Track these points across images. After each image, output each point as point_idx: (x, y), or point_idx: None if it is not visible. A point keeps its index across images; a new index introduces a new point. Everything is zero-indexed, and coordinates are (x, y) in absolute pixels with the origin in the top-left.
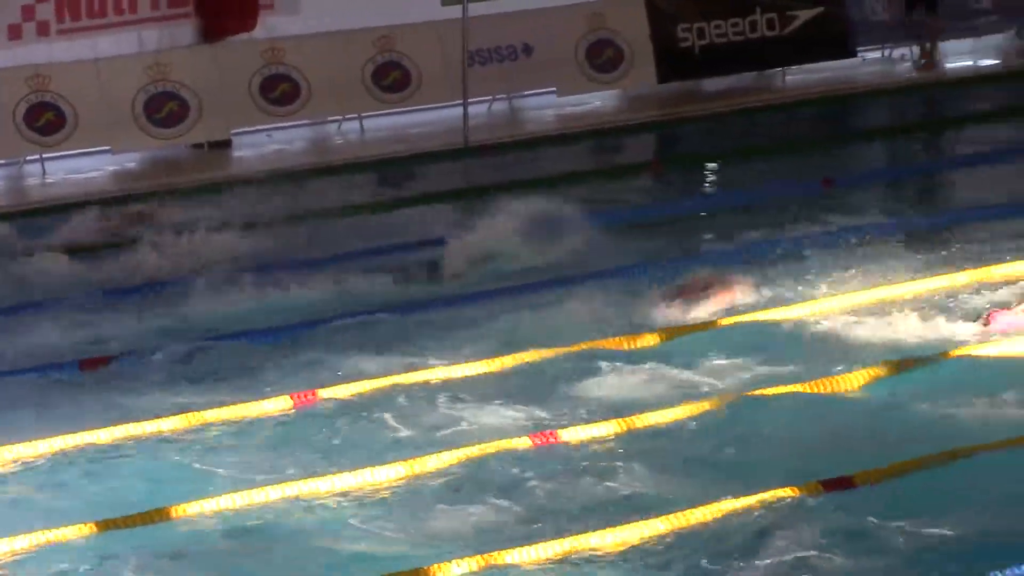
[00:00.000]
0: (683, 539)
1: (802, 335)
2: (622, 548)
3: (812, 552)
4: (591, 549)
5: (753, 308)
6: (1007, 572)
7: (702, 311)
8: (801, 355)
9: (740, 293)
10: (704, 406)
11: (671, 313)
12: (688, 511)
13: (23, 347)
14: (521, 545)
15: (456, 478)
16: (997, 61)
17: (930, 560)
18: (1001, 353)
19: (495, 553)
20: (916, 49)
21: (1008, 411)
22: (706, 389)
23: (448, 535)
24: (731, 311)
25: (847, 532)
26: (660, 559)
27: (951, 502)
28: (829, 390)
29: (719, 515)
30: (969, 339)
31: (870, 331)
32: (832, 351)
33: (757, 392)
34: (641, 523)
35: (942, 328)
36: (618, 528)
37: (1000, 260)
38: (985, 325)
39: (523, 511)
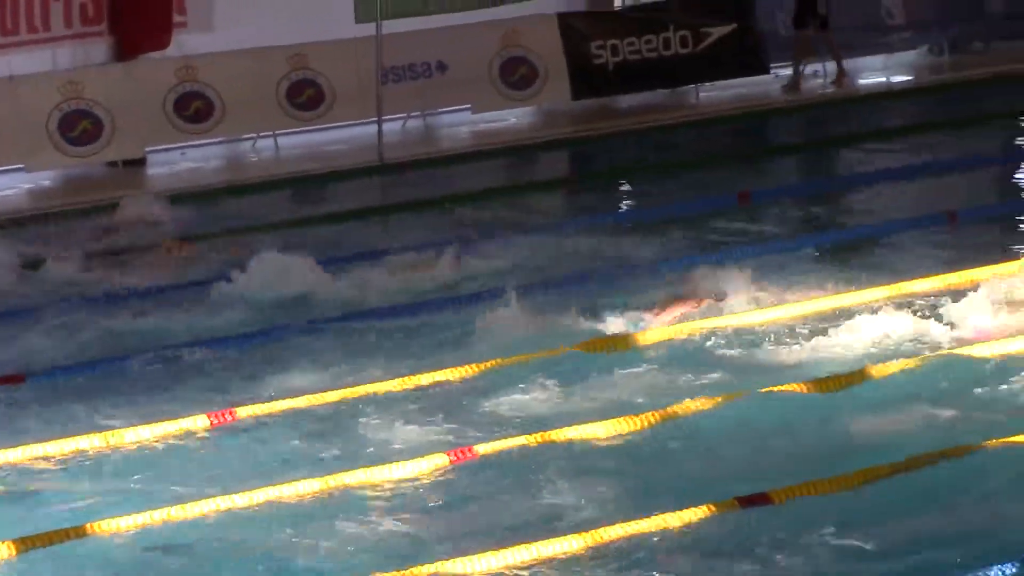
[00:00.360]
0: (601, 555)
1: (722, 350)
2: (540, 564)
3: (729, 569)
4: (509, 566)
5: (666, 323)
6: None
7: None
8: (721, 370)
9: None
10: (625, 421)
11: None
12: (606, 527)
13: None
14: (441, 560)
15: (374, 495)
16: (910, 77)
17: None
18: (919, 366)
19: (415, 568)
20: (829, 65)
21: (932, 425)
22: (626, 404)
23: (367, 551)
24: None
25: (764, 548)
26: None
27: (870, 519)
28: (748, 406)
29: (638, 532)
30: (892, 353)
31: (789, 345)
32: (751, 366)
33: (678, 407)
34: (559, 539)
35: (861, 342)
36: (536, 544)
37: (915, 274)
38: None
39: (442, 526)
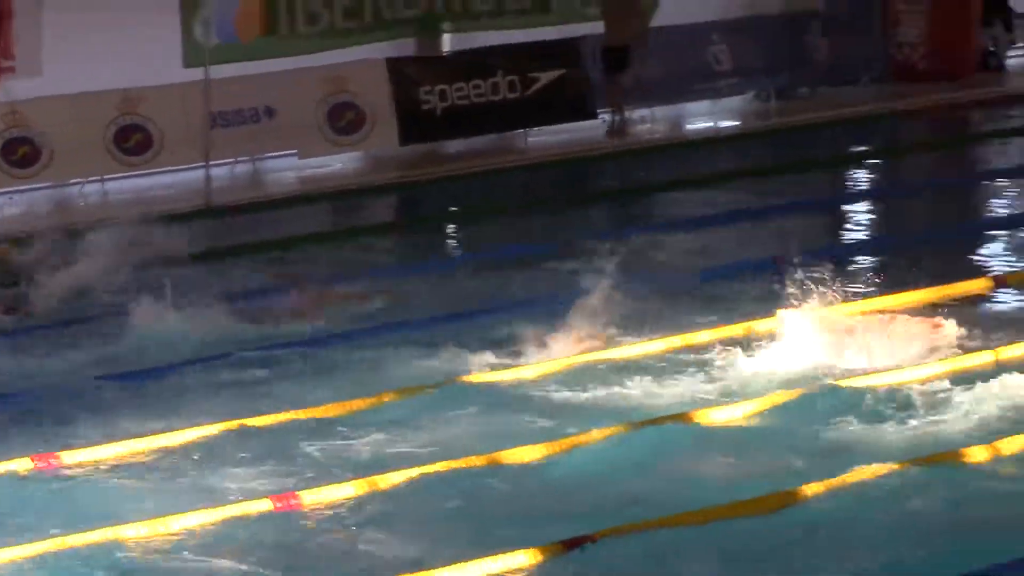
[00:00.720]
0: None
1: (540, 395)
2: None
3: None
4: None
5: (491, 368)
6: None
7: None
8: (538, 414)
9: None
10: (447, 465)
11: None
12: (428, 572)
13: None
14: None
15: (197, 540)
16: (737, 122)
17: None
18: (741, 415)
19: None
20: (659, 111)
21: (743, 471)
22: (447, 449)
23: None
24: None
25: None
26: None
27: (691, 560)
28: (566, 448)
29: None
30: (705, 399)
31: (605, 390)
32: (566, 410)
33: (497, 454)
34: None
35: (675, 387)
36: None
37: (738, 318)
38: None
39: (264, 573)
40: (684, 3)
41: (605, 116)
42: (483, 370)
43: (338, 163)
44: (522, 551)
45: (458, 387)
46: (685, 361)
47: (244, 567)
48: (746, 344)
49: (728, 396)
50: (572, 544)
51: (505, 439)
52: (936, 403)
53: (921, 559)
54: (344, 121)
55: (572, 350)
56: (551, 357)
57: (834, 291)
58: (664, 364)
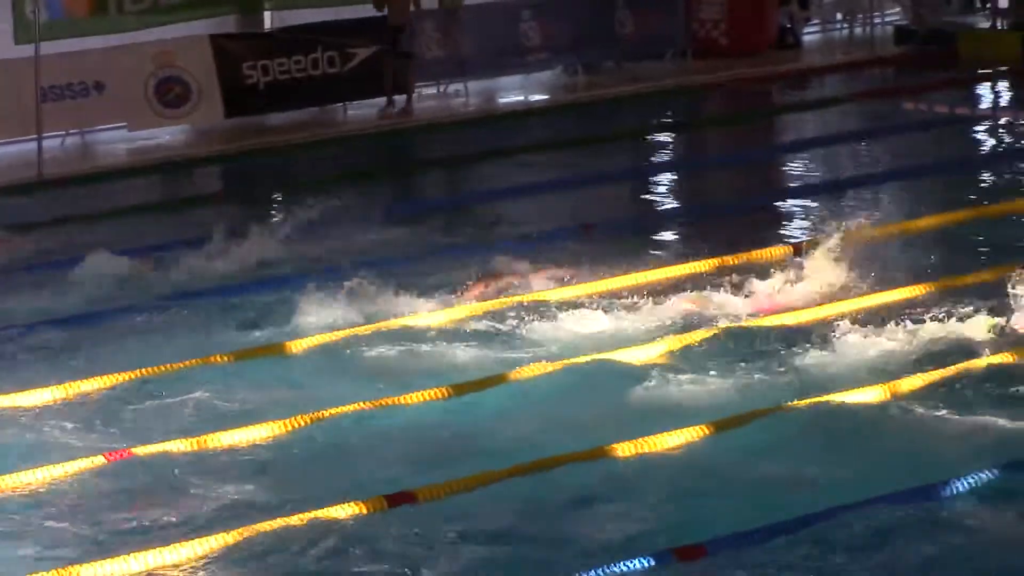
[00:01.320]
0: (245, 553)
1: (377, 355)
2: (190, 563)
3: (378, 566)
4: (164, 566)
5: (331, 328)
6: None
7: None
8: (374, 376)
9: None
10: (280, 425)
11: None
12: (250, 526)
13: None
14: (96, 560)
15: (34, 497)
16: (547, 96)
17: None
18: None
19: (70, 568)
20: (472, 85)
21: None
22: (279, 408)
23: (29, 554)
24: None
25: (415, 546)
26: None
27: (520, 515)
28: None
29: (281, 527)
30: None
31: (420, 351)
32: (398, 372)
33: (327, 412)
34: (206, 538)
35: (480, 352)
36: (182, 544)
37: (561, 284)
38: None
39: (94, 527)
40: None
41: (421, 91)
42: (328, 330)
43: (166, 135)
44: (343, 504)
45: (290, 350)
46: (489, 328)
47: (77, 521)
48: (544, 310)
49: (536, 358)
50: (394, 500)
51: (337, 399)
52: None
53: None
54: (171, 95)
55: (407, 309)
56: (397, 315)
57: (640, 259)
58: (469, 329)
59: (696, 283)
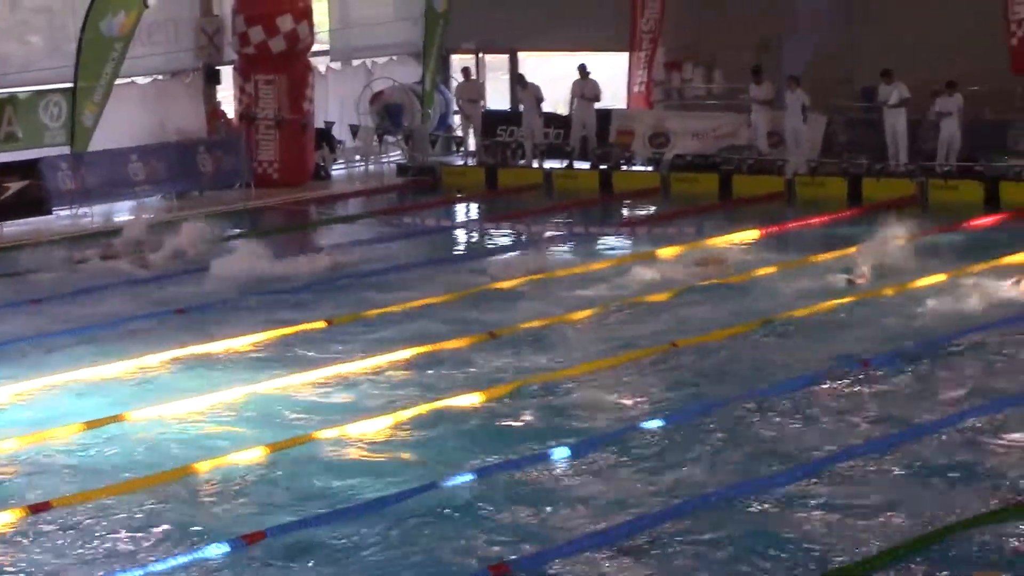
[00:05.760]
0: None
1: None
2: None
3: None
4: None
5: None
6: None
7: None
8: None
9: None
10: (73, 429)
11: None
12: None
13: None
14: None
15: None
16: (152, 215)
17: None
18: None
19: None
20: (96, 208)
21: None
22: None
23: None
24: None
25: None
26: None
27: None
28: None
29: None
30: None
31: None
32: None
33: (108, 419)
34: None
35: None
36: None
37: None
38: None
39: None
40: (114, 136)
41: (59, 212)
42: None
43: None
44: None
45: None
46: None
47: None
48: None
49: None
50: (37, 509)
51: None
52: None
53: None
54: None
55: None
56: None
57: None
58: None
59: None
